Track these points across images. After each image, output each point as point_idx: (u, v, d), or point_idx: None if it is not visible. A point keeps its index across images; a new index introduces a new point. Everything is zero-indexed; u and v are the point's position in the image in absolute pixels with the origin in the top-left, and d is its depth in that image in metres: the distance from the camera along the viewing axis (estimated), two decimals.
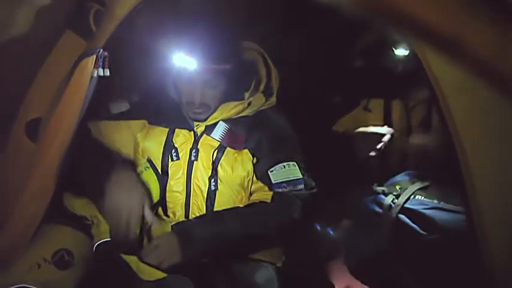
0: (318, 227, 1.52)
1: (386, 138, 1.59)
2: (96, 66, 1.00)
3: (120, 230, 1.08)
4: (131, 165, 1.24)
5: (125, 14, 0.98)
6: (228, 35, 1.21)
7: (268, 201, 1.23)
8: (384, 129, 1.61)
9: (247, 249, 1.24)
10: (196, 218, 1.22)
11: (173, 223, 1.19)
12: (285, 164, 1.25)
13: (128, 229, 1.08)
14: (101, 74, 1.02)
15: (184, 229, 1.16)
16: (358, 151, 1.62)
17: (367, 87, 1.73)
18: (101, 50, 1.00)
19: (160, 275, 1.07)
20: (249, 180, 1.27)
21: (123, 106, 1.32)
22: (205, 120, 1.24)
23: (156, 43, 1.20)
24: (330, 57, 1.84)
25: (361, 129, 1.63)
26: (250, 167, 1.26)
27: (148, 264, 1.08)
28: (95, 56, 0.99)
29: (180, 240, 1.13)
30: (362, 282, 1.32)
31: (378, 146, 1.59)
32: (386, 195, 1.43)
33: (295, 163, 1.27)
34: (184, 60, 1.14)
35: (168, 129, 1.27)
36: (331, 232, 1.53)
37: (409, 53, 1.54)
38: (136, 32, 1.21)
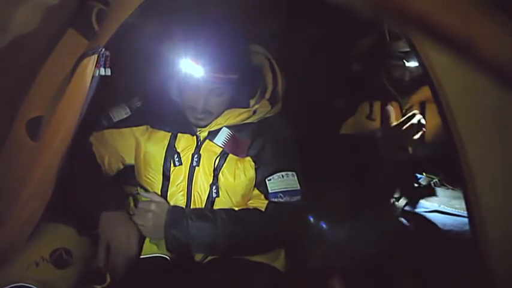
0: (311, 219, 1.51)
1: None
2: (97, 66, 1.00)
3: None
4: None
5: (128, 14, 0.98)
6: (238, 44, 1.18)
7: (263, 209, 1.21)
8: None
9: (230, 251, 1.22)
10: (193, 209, 1.22)
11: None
12: (283, 173, 1.23)
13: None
14: (103, 73, 1.02)
15: (177, 214, 1.17)
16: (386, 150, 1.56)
17: (364, 90, 1.73)
18: (103, 49, 0.99)
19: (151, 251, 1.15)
20: (250, 189, 1.25)
21: (124, 112, 1.31)
22: (206, 126, 1.23)
23: (163, 47, 1.19)
24: (329, 60, 1.84)
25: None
26: (252, 175, 1.24)
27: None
28: (96, 56, 0.99)
29: (168, 220, 1.15)
30: (361, 285, 1.32)
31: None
32: None
33: (294, 173, 1.24)
34: (190, 67, 1.12)
35: (170, 134, 1.26)
36: (324, 226, 1.52)
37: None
38: (142, 35, 1.21)
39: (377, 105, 1.70)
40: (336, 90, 1.84)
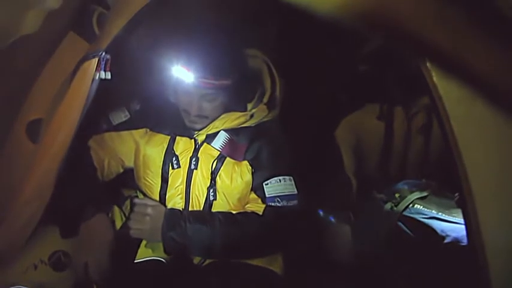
0: (321, 213, 1.51)
1: None
2: (98, 69, 1.01)
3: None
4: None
5: (129, 18, 0.98)
6: (230, 48, 1.17)
7: (260, 213, 1.21)
8: None
9: (227, 254, 1.22)
10: (191, 212, 1.22)
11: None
12: (281, 178, 1.23)
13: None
14: (103, 76, 1.02)
15: (175, 216, 1.17)
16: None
17: (370, 92, 1.71)
18: (103, 53, 1.00)
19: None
20: (246, 193, 1.26)
21: (123, 115, 1.31)
22: (202, 129, 1.24)
23: (155, 53, 1.19)
24: (336, 59, 1.82)
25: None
26: (249, 179, 1.24)
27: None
28: (97, 59, 0.99)
29: (165, 222, 1.15)
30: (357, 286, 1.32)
31: None
32: (385, 202, 1.44)
33: (291, 178, 1.24)
34: (182, 73, 1.12)
35: (169, 137, 1.27)
36: (332, 220, 1.52)
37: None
38: (137, 41, 1.22)
39: (385, 108, 1.66)
40: (338, 86, 1.82)
